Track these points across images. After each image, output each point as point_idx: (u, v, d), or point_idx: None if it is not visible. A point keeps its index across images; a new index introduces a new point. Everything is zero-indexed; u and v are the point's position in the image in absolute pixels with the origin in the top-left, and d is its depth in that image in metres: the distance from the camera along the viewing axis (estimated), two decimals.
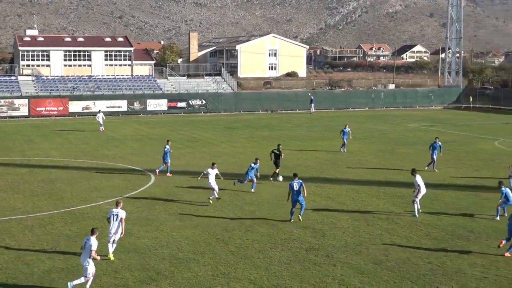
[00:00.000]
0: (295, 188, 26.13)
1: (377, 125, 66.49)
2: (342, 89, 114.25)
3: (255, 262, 21.09)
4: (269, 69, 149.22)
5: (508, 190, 26.90)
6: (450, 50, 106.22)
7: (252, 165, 32.64)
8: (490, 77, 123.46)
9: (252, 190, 32.16)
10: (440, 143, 39.48)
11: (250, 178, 32.36)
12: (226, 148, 48.78)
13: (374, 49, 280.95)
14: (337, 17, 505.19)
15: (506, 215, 27.10)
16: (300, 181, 26.27)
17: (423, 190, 27.57)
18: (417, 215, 27.29)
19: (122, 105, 78.87)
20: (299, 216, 26.42)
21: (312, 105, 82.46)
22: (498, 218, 27.08)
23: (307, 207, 27.34)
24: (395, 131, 60.79)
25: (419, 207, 27.66)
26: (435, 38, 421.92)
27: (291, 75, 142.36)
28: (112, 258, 21.15)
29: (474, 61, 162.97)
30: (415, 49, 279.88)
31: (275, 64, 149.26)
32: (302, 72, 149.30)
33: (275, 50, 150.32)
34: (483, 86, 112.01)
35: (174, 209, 28.31)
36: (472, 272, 20.31)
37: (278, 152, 36.10)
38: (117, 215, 21.50)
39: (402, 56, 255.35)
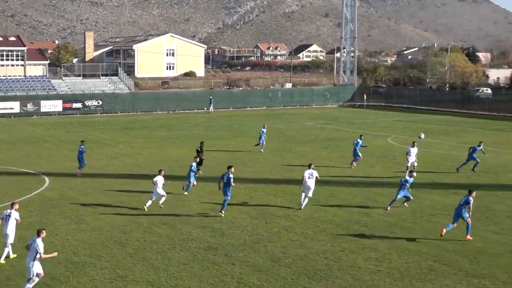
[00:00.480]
0: (224, 180, 26.87)
1: (274, 123, 67.16)
2: (240, 88, 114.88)
3: (153, 264, 20.91)
4: (167, 69, 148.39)
5: (410, 180, 28.47)
6: (344, 50, 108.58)
7: (194, 164, 31.77)
8: (383, 76, 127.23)
9: (185, 193, 31.48)
10: (360, 141, 40.37)
11: (191, 181, 31.49)
12: (123, 149, 48.13)
13: (271, 48, 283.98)
14: (234, 16, 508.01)
15: (389, 207, 28.24)
16: (231, 175, 26.79)
17: (308, 185, 28.41)
18: (302, 208, 28.44)
19: (15, 106, 76.34)
20: (220, 212, 27.04)
21: (211, 105, 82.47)
22: (388, 208, 28.36)
23: (206, 208, 27.50)
24: (292, 130, 61.64)
25: (305, 203, 28.73)
26: (330, 38, 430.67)
27: (189, 74, 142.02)
28: (3, 261, 20.63)
29: (367, 60, 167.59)
30: (311, 48, 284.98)
31: (173, 64, 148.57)
32: (200, 71, 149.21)
33: (173, 50, 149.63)
34: (376, 84, 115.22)
35: (70, 212, 27.68)
36: (367, 265, 20.86)
37: (199, 150, 36.69)
38: (9, 215, 20.96)
39: (298, 55, 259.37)
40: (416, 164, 37.02)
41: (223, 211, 27.17)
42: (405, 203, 29.01)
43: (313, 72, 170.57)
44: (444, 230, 23.69)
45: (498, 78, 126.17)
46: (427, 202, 29.89)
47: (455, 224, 23.85)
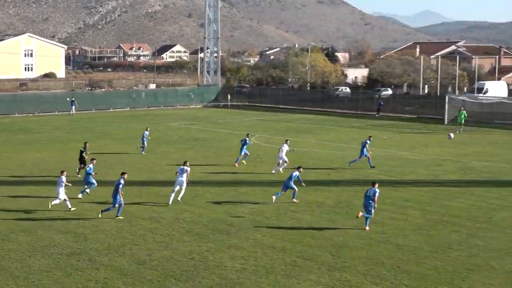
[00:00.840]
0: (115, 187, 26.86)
1: (138, 125, 66.37)
2: (103, 89, 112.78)
3: (13, 273, 20.09)
4: (25, 70, 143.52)
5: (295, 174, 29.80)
6: (208, 50, 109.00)
7: (91, 166, 31.26)
8: (246, 76, 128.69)
9: (83, 194, 30.94)
10: (247, 139, 41.19)
11: (91, 183, 31.11)
12: None
13: (134, 49, 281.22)
14: (96, 16, 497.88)
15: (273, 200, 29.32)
16: (121, 181, 26.83)
17: (179, 180, 29.36)
18: (169, 203, 29.23)
19: None
20: (100, 214, 26.90)
21: (73, 107, 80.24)
22: (274, 199, 29.64)
23: (68, 212, 26.82)
24: (156, 131, 61.03)
25: (172, 198, 29.51)
26: (194, 38, 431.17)
27: (49, 76, 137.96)
28: None
29: (231, 60, 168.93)
30: (174, 49, 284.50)
31: (32, 65, 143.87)
32: (60, 72, 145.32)
33: (31, 50, 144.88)
34: (240, 84, 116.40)
35: None
36: (233, 264, 21.02)
37: (83, 150, 37.14)
38: None
39: (162, 56, 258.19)
40: (281, 161, 37.98)
41: (119, 215, 26.94)
42: (293, 199, 30.04)
43: (177, 73, 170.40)
44: (367, 228, 25.33)
45: (356, 78, 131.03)
46: (290, 200, 30.49)
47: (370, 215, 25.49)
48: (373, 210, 25.45)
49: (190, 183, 30.10)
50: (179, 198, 29.69)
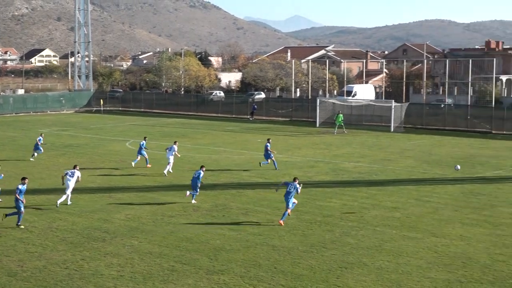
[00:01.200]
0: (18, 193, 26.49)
1: (6, 131, 64.07)
2: None
3: None
4: None
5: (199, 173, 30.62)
6: (79, 54, 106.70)
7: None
8: (119, 80, 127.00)
9: None
10: (144, 142, 42.02)
11: None
12: None
13: (0, 53, 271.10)
14: None
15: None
16: (20, 186, 26.51)
17: (67, 183, 29.76)
18: (57, 205, 29.41)
19: None
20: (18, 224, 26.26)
21: None
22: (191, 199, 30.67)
23: None
24: (26, 137, 59.07)
25: (62, 202, 29.76)
26: (64, 42, 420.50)
27: None
28: None
29: (103, 64, 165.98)
30: (44, 53, 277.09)
31: None
32: None
33: None
34: (113, 89, 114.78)
35: None
36: (109, 272, 20.65)
37: None
38: None
39: (30, 60, 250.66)
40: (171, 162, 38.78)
41: (19, 223, 26.29)
42: (193, 201, 30.85)
43: (47, 77, 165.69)
44: (281, 222, 26.58)
45: (229, 82, 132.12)
46: (166, 204, 30.35)
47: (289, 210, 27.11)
48: (291, 205, 26.84)
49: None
50: (58, 203, 29.15)
